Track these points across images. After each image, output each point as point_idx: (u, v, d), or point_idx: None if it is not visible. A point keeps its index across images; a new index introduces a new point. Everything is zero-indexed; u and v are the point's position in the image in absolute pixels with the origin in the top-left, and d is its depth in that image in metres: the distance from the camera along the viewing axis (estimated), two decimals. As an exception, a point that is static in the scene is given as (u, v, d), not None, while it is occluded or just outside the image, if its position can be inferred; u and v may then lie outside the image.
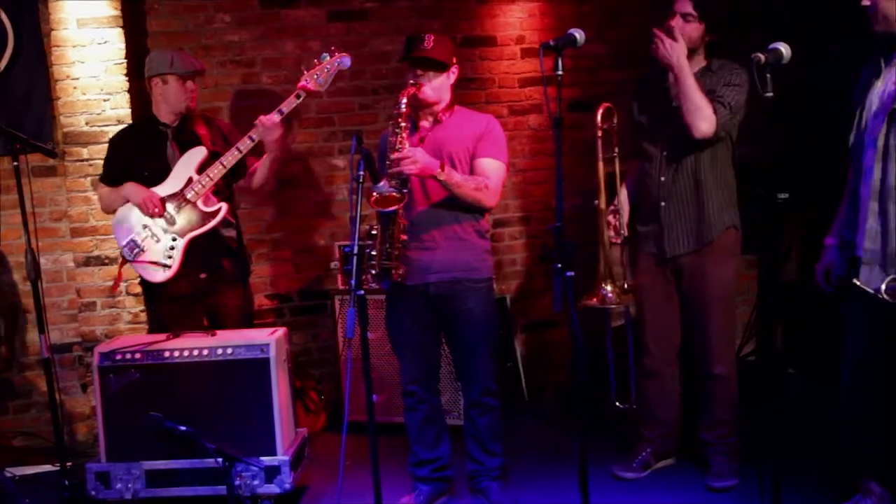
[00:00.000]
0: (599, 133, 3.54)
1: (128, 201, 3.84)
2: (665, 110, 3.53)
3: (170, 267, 3.78)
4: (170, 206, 3.78)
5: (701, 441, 3.70)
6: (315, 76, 3.69)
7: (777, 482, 2.80)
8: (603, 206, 3.51)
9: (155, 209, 3.76)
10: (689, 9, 3.40)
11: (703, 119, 3.33)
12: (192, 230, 3.78)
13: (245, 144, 3.74)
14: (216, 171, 3.75)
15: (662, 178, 3.55)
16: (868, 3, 2.94)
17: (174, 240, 3.78)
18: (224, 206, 3.82)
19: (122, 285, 4.48)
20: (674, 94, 3.46)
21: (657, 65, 3.47)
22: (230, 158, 3.75)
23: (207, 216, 3.79)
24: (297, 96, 3.69)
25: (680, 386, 3.76)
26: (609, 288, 3.46)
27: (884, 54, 2.99)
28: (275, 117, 3.69)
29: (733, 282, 3.64)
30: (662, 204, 3.55)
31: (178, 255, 3.78)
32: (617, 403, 3.86)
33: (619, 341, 4.92)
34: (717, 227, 3.51)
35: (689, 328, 3.64)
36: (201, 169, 3.78)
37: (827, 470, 3.53)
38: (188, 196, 3.77)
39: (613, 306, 3.59)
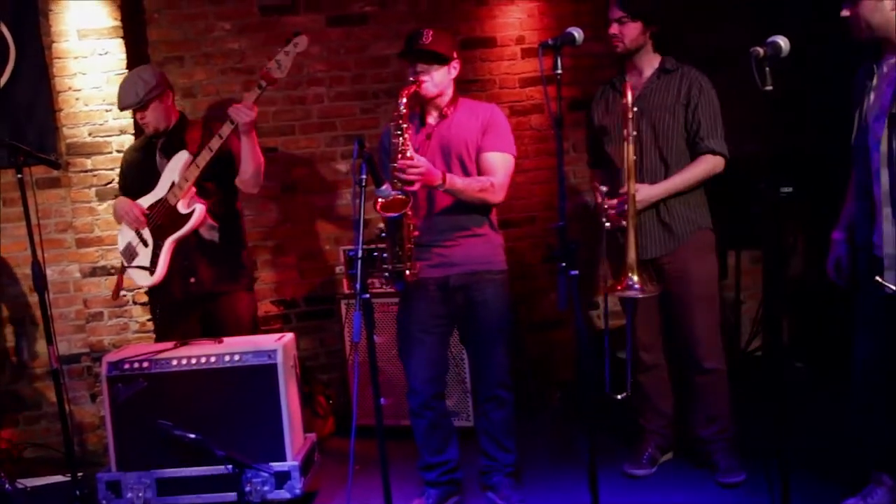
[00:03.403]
0: (630, 114, 3.45)
1: None
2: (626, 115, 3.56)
3: (154, 271, 3.82)
4: (154, 212, 3.82)
5: (699, 438, 3.71)
6: (276, 62, 3.67)
7: (786, 475, 2.80)
8: (633, 190, 3.40)
9: (136, 221, 3.82)
10: (619, 13, 3.51)
11: (713, 169, 3.52)
12: (172, 234, 3.81)
13: (215, 143, 3.71)
14: (191, 172, 3.76)
15: None
16: (848, 13, 2.94)
17: (158, 244, 3.82)
18: (199, 206, 3.80)
19: (129, 295, 4.50)
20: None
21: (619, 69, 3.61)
22: (204, 158, 3.73)
23: (184, 218, 3.80)
24: (259, 87, 3.67)
25: (670, 378, 3.80)
26: (636, 279, 3.38)
27: (874, 57, 2.99)
28: (247, 104, 3.65)
29: (714, 277, 3.66)
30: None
31: (163, 259, 3.81)
32: (616, 396, 3.77)
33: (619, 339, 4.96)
34: (685, 231, 3.55)
35: (675, 326, 3.66)
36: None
37: (835, 463, 3.53)
38: (170, 200, 3.80)
39: (642, 296, 3.45)
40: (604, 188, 3.51)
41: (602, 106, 3.71)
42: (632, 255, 3.38)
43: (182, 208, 3.79)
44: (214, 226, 3.92)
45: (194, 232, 3.83)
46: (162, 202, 3.81)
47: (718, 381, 3.64)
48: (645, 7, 3.52)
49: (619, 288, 3.41)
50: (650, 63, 3.59)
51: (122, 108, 3.97)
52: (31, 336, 4.73)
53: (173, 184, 3.79)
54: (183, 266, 3.86)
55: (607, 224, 3.49)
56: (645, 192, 3.46)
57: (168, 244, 3.81)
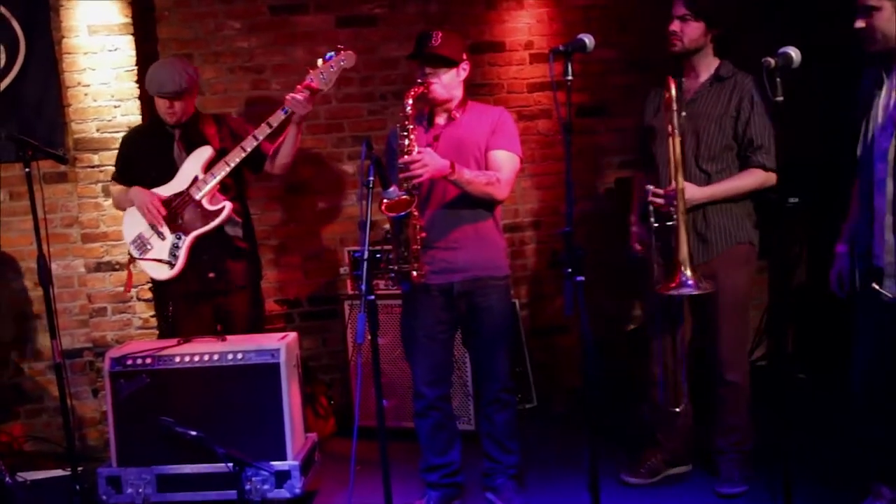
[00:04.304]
0: (675, 107, 3.37)
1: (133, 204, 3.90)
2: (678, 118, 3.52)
3: (174, 265, 3.82)
4: (174, 205, 3.82)
5: (715, 447, 3.68)
6: (320, 75, 3.70)
7: (788, 486, 2.79)
8: (681, 185, 3.33)
9: (155, 215, 3.80)
10: (683, 10, 3.43)
11: (763, 184, 3.46)
12: (196, 228, 3.81)
13: (249, 143, 3.76)
14: (221, 171, 3.78)
15: None
16: (863, 24, 2.90)
17: (179, 238, 3.82)
18: (228, 204, 3.84)
19: (133, 291, 4.50)
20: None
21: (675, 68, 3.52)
22: (235, 158, 3.77)
23: (211, 214, 3.82)
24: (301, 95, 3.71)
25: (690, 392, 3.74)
26: (689, 273, 3.29)
27: (884, 66, 2.97)
28: (305, 95, 3.70)
29: (746, 291, 3.60)
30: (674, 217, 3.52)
31: (182, 252, 3.82)
32: (675, 409, 3.64)
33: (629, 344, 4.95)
34: (720, 243, 3.49)
35: (701, 336, 3.63)
36: (208, 168, 3.82)
37: (837, 474, 3.52)
38: (193, 195, 3.80)
39: (697, 293, 3.36)
40: (650, 187, 3.45)
41: (653, 107, 3.64)
42: (684, 251, 3.31)
43: (208, 204, 3.81)
44: (238, 221, 3.95)
45: (219, 228, 3.85)
46: (183, 196, 3.82)
47: (739, 395, 3.58)
48: (710, 7, 3.43)
49: (672, 286, 3.33)
50: (707, 67, 3.51)
51: (160, 94, 3.82)
52: (34, 330, 4.73)
53: (196, 178, 3.80)
54: (202, 260, 3.87)
55: (655, 224, 3.43)
56: (691, 192, 3.38)
57: (190, 238, 3.82)
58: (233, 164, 3.78)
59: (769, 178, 3.44)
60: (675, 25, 3.44)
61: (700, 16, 3.41)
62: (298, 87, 3.73)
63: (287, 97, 3.74)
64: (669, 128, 3.37)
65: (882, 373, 3.06)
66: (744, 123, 3.44)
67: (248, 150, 3.77)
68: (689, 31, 3.43)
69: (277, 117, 3.74)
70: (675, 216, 3.35)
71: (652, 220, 3.45)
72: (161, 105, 3.88)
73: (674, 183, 3.35)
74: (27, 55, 4.57)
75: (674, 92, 3.38)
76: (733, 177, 3.47)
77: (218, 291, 3.94)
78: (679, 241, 3.33)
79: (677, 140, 3.36)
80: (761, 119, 3.42)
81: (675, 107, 3.37)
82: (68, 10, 4.44)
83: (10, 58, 4.56)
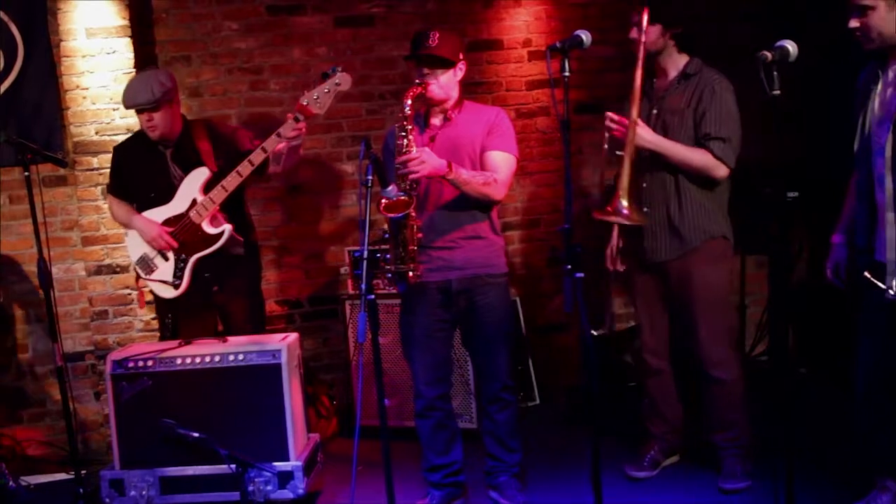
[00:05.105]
0: (643, 38, 3.41)
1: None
2: (649, 115, 3.56)
3: (179, 285, 3.84)
4: (175, 229, 3.81)
5: (712, 444, 3.68)
6: (315, 98, 3.67)
7: (790, 481, 2.79)
8: (635, 116, 3.37)
9: (165, 247, 3.81)
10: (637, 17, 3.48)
11: (708, 168, 3.45)
12: (198, 251, 3.82)
13: (245, 168, 3.73)
14: (218, 195, 3.76)
15: (644, 185, 3.56)
16: (857, 24, 2.90)
17: (182, 259, 3.82)
18: (228, 227, 3.82)
19: (133, 294, 4.49)
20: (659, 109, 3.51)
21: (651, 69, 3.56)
22: (232, 182, 3.75)
23: (212, 238, 3.81)
24: (296, 119, 3.68)
25: (676, 383, 3.77)
26: (625, 203, 3.31)
27: (879, 62, 2.98)
28: (281, 143, 3.69)
29: (722, 286, 3.61)
30: (645, 209, 3.54)
31: (186, 274, 3.84)
32: (592, 332, 3.70)
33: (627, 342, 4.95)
34: (697, 237, 3.51)
35: (683, 332, 3.64)
36: (206, 188, 3.80)
37: (840, 468, 3.52)
38: (193, 218, 3.79)
39: (627, 223, 3.41)
40: (609, 113, 3.48)
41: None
42: (624, 181, 3.33)
43: (209, 227, 3.80)
44: (239, 241, 3.93)
45: (221, 249, 3.84)
46: (184, 219, 3.80)
47: (730, 391, 3.59)
48: (663, 10, 3.47)
49: (608, 209, 3.35)
50: (675, 65, 3.56)
51: (132, 106, 3.82)
52: (36, 334, 4.74)
53: (195, 201, 3.79)
54: (205, 278, 3.88)
55: (606, 147, 3.46)
56: (642, 131, 3.42)
57: (193, 260, 3.82)
58: (230, 189, 3.76)
59: (717, 166, 3.45)
60: (634, 32, 3.49)
61: (654, 19, 3.46)
62: (289, 115, 3.68)
63: (282, 134, 3.68)
64: (639, 61, 3.41)
65: (887, 370, 3.06)
66: (700, 114, 3.47)
67: (245, 175, 3.74)
68: (647, 35, 3.47)
69: (273, 142, 3.70)
70: (624, 146, 3.38)
71: (605, 146, 3.47)
72: (141, 120, 3.85)
73: (630, 113, 3.38)
74: (25, 59, 4.57)
75: (645, 21, 3.40)
76: (686, 146, 3.48)
77: (220, 301, 3.97)
78: (622, 171, 3.35)
79: (639, 72, 3.40)
80: (719, 111, 3.45)
81: (643, 39, 3.40)
82: (66, 14, 4.44)
83: (9, 61, 4.56)
